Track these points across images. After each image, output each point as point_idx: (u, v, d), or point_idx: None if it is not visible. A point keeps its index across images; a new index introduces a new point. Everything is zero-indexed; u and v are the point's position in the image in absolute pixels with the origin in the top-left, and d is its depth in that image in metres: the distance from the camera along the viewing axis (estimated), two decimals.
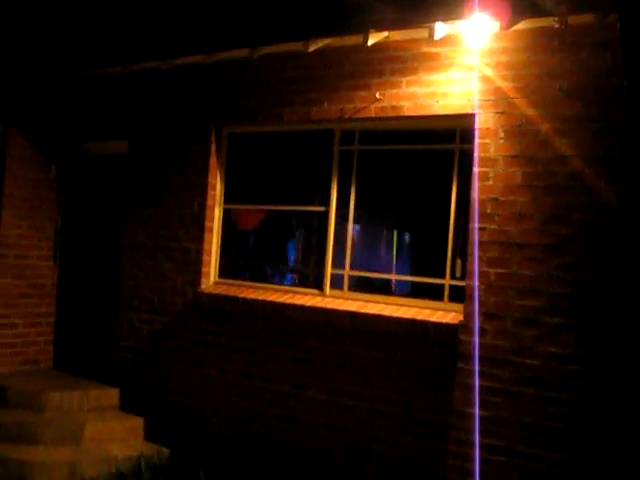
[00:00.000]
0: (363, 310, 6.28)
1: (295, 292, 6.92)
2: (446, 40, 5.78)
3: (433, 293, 6.21)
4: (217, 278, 7.46)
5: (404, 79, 6.14)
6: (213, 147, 7.38)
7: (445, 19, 5.51)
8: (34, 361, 8.42)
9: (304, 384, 6.59)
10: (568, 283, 5.30)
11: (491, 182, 5.62)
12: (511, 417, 5.46)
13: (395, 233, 6.94)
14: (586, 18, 5.22)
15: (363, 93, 6.36)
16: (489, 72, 5.68)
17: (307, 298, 6.71)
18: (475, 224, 5.65)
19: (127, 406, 7.71)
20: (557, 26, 5.31)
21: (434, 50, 5.95)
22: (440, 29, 5.59)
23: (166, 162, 7.65)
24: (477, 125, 5.70)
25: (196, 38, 6.94)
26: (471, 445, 5.54)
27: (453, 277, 6.09)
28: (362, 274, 6.75)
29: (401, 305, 6.27)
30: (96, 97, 8.35)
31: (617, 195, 5.12)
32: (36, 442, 6.93)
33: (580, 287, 5.26)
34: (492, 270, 5.58)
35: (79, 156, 8.67)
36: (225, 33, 6.72)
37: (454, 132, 6.10)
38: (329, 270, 6.74)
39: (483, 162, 5.66)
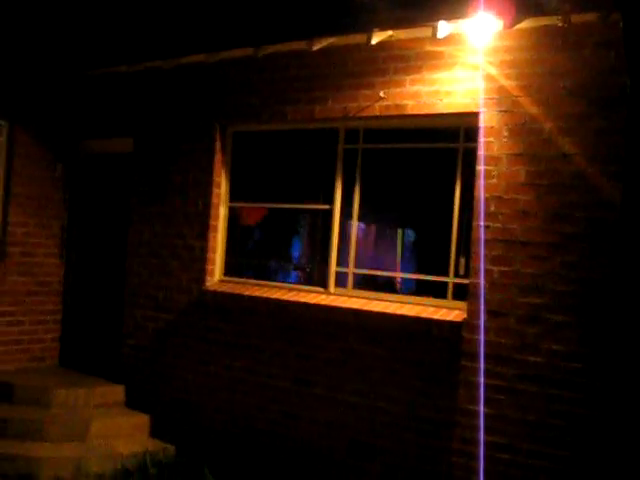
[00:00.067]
0: (367, 308, 6.31)
1: (299, 290, 6.95)
2: (450, 39, 5.80)
3: (437, 291, 6.22)
4: (222, 276, 7.49)
5: (408, 78, 6.16)
6: (218, 145, 7.40)
7: (449, 18, 5.54)
8: (40, 358, 8.46)
9: (308, 381, 6.62)
10: (571, 281, 5.33)
11: (495, 180, 5.64)
12: (514, 414, 5.49)
13: (399, 231, 6.96)
14: (589, 17, 5.24)
15: (367, 92, 6.38)
16: (493, 71, 5.70)
17: (311, 296, 6.74)
18: (479, 222, 5.68)
19: (133, 403, 7.75)
20: (560, 25, 5.33)
21: (438, 49, 5.97)
22: (444, 28, 5.61)
23: (171, 160, 7.68)
24: (481, 123, 5.72)
25: (200, 37, 6.98)
26: (475, 442, 5.58)
27: (457, 275, 6.10)
28: (366, 272, 6.77)
29: (405, 303, 6.29)
30: (101, 96, 8.39)
31: (620, 193, 5.13)
32: (42, 438, 6.97)
33: (583, 285, 5.29)
34: (496, 268, 5.61)
35: (84, 154, 8.70)
36: (229, 32, 6.75)
37: (458, 130, 6.11)
38: (333, 268, 6.76)
39: (487, 160, 5.68)
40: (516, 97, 5.59)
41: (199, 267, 7.41)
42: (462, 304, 5.91)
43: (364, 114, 6.42)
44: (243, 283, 7.31)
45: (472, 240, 5.74)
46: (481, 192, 5.67)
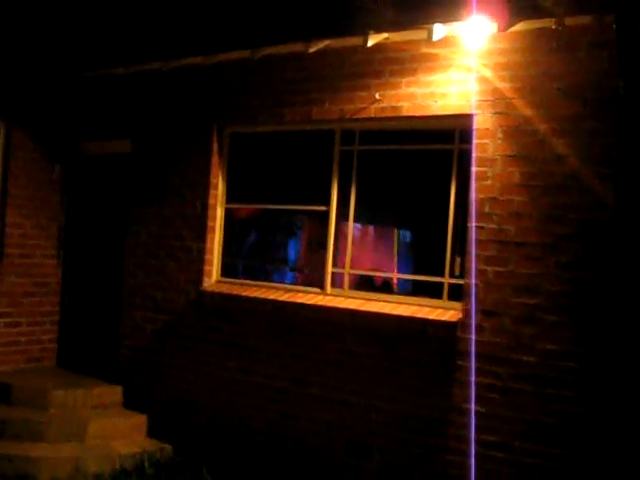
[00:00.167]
0: (363, 308, 6.35)
1: (296, 290, 6.98)
2: (445, 41, 5.84)
3: (432, 291, 6.26)
4: (219, 277, 7.53)
5: (403, 80, 6.20)
6: (215, 147, 7.44)
7: (443, 21, 5.58)
8: (38, 359, 8.48)
9: (305, 381, 6.65)
10: (565, 281, 5.37)
11: (489, 182, 5.69)
12: (509, 413, 5.53)
13: (395, 232, 7.00)
14: (583, 19, 5.28)
15: (363, 93, 6.42)
16: (487, 73, 5.74)
17: (308, 296, 6.77)
18: (473, 223, 5.72)
19: (130, 403, 7.78)
20: (554, 27, 5.37)
21: (433, 51, 6.00)
22: (439, 30, 5.66)
23: (168, 162, 7.72)
24: (475, 125, 5.76)
25: (198, 39, 7.01)
26: (469, 441, 5.61)
27: (452, 275, 6.14)
28: (362, 272, 6.81)
29: (401, 303, 6.33)
30: (99, 97, 8.42)
31: (614, 194, 5.18)
32: (40, 439, 7.00)
33: (577, 285, 5.33)
34: (490, 268, 5.65)
35: (82, 156, 8.72)
36: (226, 34, 6.79)
37: (453, 132, 6.15)
38: (330, 269, 6.80)
39: (481, 162, 5.73)
40: (510, 99, 5.63)
41: (196, 268, 7.45)
42: (457, 304, 5.95)
43: (360, 116, 6.46)
44: (240, 284, 7.34)
45: (467, 241, 5.79)
46: (475, 193, 5.71)
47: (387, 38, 6.08)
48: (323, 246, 6.89)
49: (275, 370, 6.84)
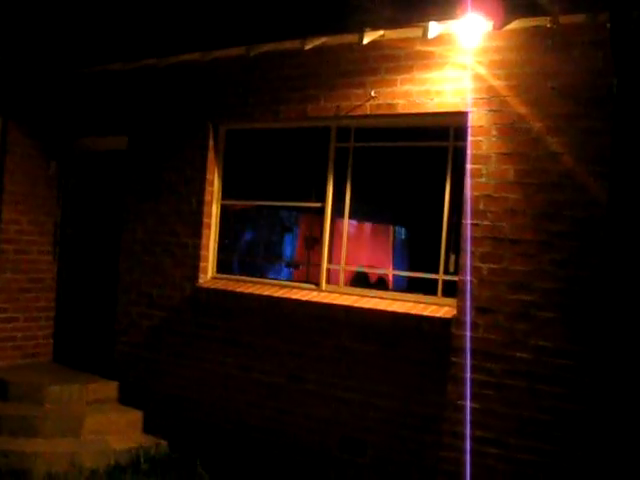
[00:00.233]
0: (358, 304, 6.37)
1: (291, 287, 7.00)
2: (440, 39, 5.86)
3: (427, 288, 6.29)
4: (215, 273, 7.54)
5: (399, 77, 6.21)
6: (211, 143, 7.45)
7: (439, 18, 5.60)
8: (34, 354, 8.50)
9: (301, 377, 6.68)
10: (559, 278, 5.40)
11: (484, 179, 5.71)
12: (503, 410, 5.55)
13: (390, 229, 7.04)
14: (578, 18, 5.30)
15: (359, 91, 6.43)
16: (482, 71, 5.76)
17: (303, 293, 6.79)
18: (468, 220, 5.74)
19: (126, 399, 7.80)
20: (549, 26, 5.39)
21: (428, 49, 6.02)
22: (434, 28, 5.68)
23: (164, 158, 7.73)
24: (470, 123, 5.78)
25: (193, 36, 7.02)
26: (463, 437, 5.63)
27: (447, 272, 6.17)
28: (358, 269, 6.83)
29: (396, 300, 6.34)
30: (95, 94, 8.42)
31: (607, 192, 5.21)
32: (36, 434, 7.02)
33: (571, 282, 5.35)
34: (485, 265, 5.68)
35: (78, 152, 8.73)
36: (222, 31, 6.80)
37: (448, 129, 6.17)
38: (325, 265, 6.82)
39: (476, 159, 5.74)
40: (505, 97, 5.65)
41: (192, 264, 7.46)
42: (452, 301, 5.97)
43: (356, 113, 6.48)
44: (236, 280, 7.36)
45: (461, 238, 5.81)
46: (470, 190, 5.73)
47: (383, 36, 6.09)
48: (318, 242, 6.91)
49: (271, 366, 6.87)
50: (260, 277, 7.38)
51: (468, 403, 5.65)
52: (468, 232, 5.73)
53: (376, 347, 6.25)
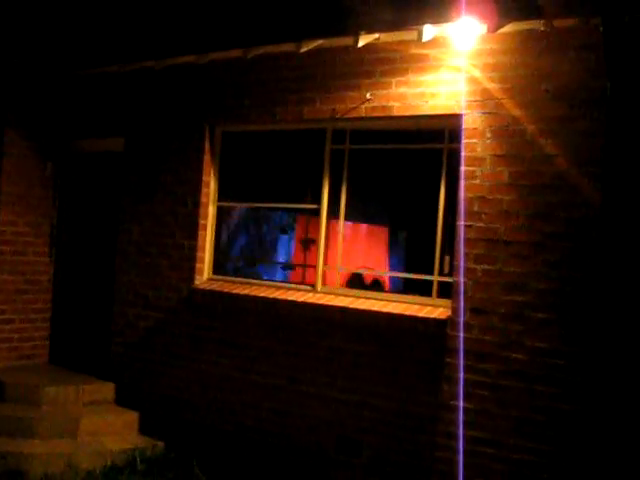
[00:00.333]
0: (353, 305, 6.39)
1: (287, 288, 7.03)
2: (435, 42, 5.89)
3: (422, 289, 6.32)
4: (211, 274, 7.56)
5: (394, 80, 6.25)
6: (207, 145, 7.48)
7: (433, 21, 5.63)
8: (30, 356, 8.50)
9: (296, 378, 6.70)
10: (553, 279, 5.43)
11: (478, 181, 5.74)
12: (498, 410, 5.58)
13: (385, 230, 7.07)
14: (571, 21, 5.33)
15: (354, 93, 6.46)
16: (476, 73, 5.79)
17: (299, 294, 6.82)
18: (462, 222, 5.77)
19: (122, 400, 7.82)
20: (543, 29, 5.43)
21: (423, 52, 6.05)
22: (429, 31, 5.71)
23: (161, 160, 7.75)
24: (464, 125, 5.81)
25: (190, 38, 7.04)
26: (458, 437, 5.66)
27: (442, 273, 6.20)
28: (353, 270, 6.86)
29: (391, 301, 6.37)
30: (92, 95, 8.44)
31: (601, 194, 5.25)
32: (33, 435, 7.03)
33: (565, 283, 5.38)
34: (479, 267, 5.70)
35: (75, 154, 8.74)
36: (219, 34, 6.82)
37: (443, 132, 6.20)
38: (321, 266, 6.84)
39: (470, 161, 5.78)
40: (499, 99, 5.69)
41: (188, 266, 7.48)
42: (447, 302, 5.99)
43: (351, 115, 6.51)
44: (232, 282, 7.38)
45: (456, 239, 5.84)
46: (464, 192, 5.76)
47: (378, 38, 6.13)
48: (314, 244, 6.94)
49: (267, 367, 6.89)
50: (256, 278, 7.41)
51: (463, 403, 5.68)
52: (462, 233, 5.76)
53: (372, 348, 6.28)
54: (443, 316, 5.91)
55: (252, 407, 6.97)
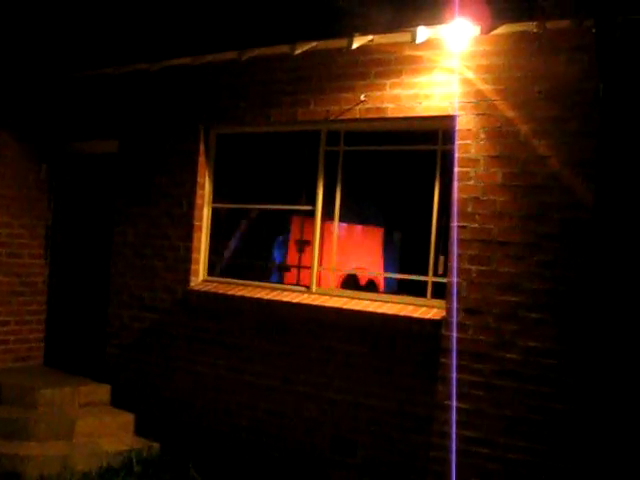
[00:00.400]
0: (348, 306, 6.41)
1: (282, 289, 7.05)
2: (428, 44, 5.91)
3: (417, 290, 6.34)
4: (206, 276, 7.58)
5: (388, 81, 6.27)
6: (202, 147, 7.49)
7: (427, 23, 5.64)
8: (25, 358, 8.50)
9: (292, 379, 6.72)
10: (547, 279, 5.46)
11: (472, 182, 5.77)
12: (492, 410, 5.61)
13: (380, 231, 7.09)
14: (564, 23, 5.35)
15: (348, 95, 6.49)
16: (470, 75, 5.82)
17: (294, 295, 6.84)
18: (456, 223, 5.79)
19: (118, 402, 7.82)
20: (536, 31, 5.46)
21: (417, 53, 6.08)
22: (422, 33, 5.72)
23: (156, 162, 7.76)
24: (458, 126, 5.84)
25: (185, 40, 7.05)
26: (453, 437, 5.69)
27: (436, 274, 6.22)
28: (348, 271, 6.87)
29: (386, 301, 6.39)
30: (86, 97, 8.44)
31: (593, 195, 5.28)
32: (28, 437, 7.03)
33: (558, 283, 5.41)
34: (473, 267, 5.73)
35: (69, 156, 8.74)
36: (213, 36, 6.84)
37: (436, 133, 6.23)
38: (315, 267, 6.86)
39: (464, 162, 5.81)
40: (493, 101, 5.72)
41: (183, 267, 7.50)
42: (441, 302, 6.01)
43: (345, 117, 6.53)
44: (227, 283, 7.39)
45: (450, 240, 5.86)
46: (458, 193, 5.78)
47: (372, 40, 6.14)
48: (309, 245, 6.95)
49: (262, 368, 6.91)
50: (251, 280, 7.41)
51: (457, 403, 5.71)
52: (456, 234, 5.79)
53: (366, 349, 6.30)
54: (437, 316, 5.94)
55: (247, 408, 6.98)
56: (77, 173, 8.74)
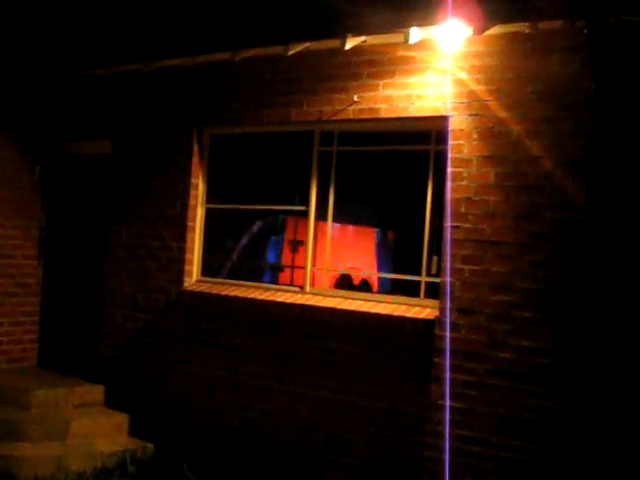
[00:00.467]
0: (341, 306, 6.42)
1: (276, 289, 7.06)
2: (421, 44, 5.92)
3: (410, 290, 6.35)
4: (200, 276, 7.58)
5: (381, 82, 6.28)
6: (195, 148, 7.49)
7: (420, 24, 5.65)
8: (19, 359, 8.50)
9: (286, 379, 6.73)
10: (539, 279, 5.47)
11: (465, 182, 5.78)
12: (485, 409, 5.62)
13: (374, 231, 7.10)
14: (556, 24, 5.36)
15: (341, 95, 6.50)
16: (463, 75, 5.83)
17: (288, 295, 6.85)
18: (449, 223, 5.81)
19: (112, 402, 7.83)
20: (528, 31, 5.47)
21: (409, 54, 6.09)
22: (415, 34, 5.73)
23: (149, 162, 7.77)
24: (451, 127, 5.85)
25: (178, 41, 7.06)
26: (447, 437, 5.70)
27: (429, 274, 6.24)
28: (341, 271, 6.88)
29: (379, 301, 6.41)
30: (80, 98, 8.45)
31: (585, 195, 5.31)
32: (23, 438, 7.03)
33: (551, 283, 5.43)
34: (466, 267, 5.75)
35: (63, 156, 8.75)
36: (206, 36, 6.84)
37: (429, 133, 6.24)
38: (309, 268, 6.87)
39: (457, 163, 5.82)
40: (485, 101, 5.73)
41: (177, 268, 7.50)
42: (434, 302, 6.02)
43: (338, 117, 6.54)
44: (221, 283, 7.40)
45: (443, 240, 5.88)
46: (451, 193, 5.80)
47: (365, 41, 6.15)
48: (302, 245, 6.97)
49: (256, 368, 6.91)
50: (245, 280, 7.42)
51: (451, 403, 5.72)
52: (449, 234, 5.80)
53: (360, 348, 6.32)
54: (431, 316, 5.95)
55: (241, 408, 6.99)
56: (71, 174, 8.74)
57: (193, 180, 7.48)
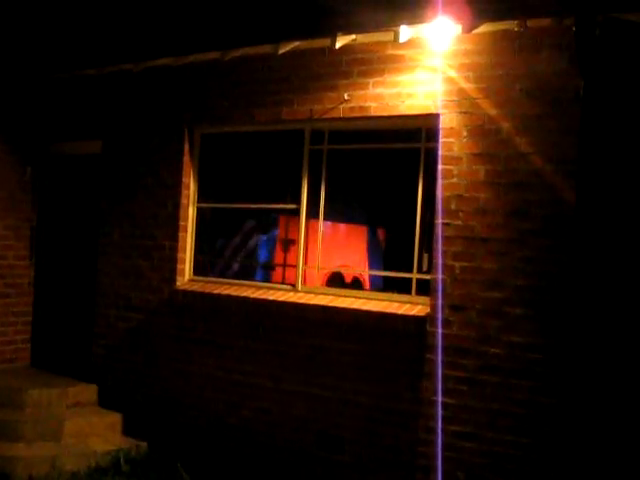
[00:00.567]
0: (333, 304, 6.44)
1: (268, 288, 7.07)
2: (411, 43, 5.95)
3: (402, 287, 6.38)
4: (192, 275, 7.59)
5: (371, 80, 6.31)
6: (186, 147, 7.50)
7: (409, 22, 5.68)
8: (11, 359, 8.49)
9: (279, 377, 6.75)
10: (529, 275, 5.51)
11: (455, 179, 5.81)
12: (477, 404, 5.66)
13: (365, 229, 7.13)
14: (544, 22, 5.40)
15: (331, 94, 6.52)
16: (452, 73, 5.86)
17: (280, 293, 6.86)
18: (440, 220, 5.84)
19: (105, 402, 7.83)
20: (517, 29, 5.51)
21: (399, 52, 6.12)
22: (405, 32, 5.77)
23: (140, 162, 7.77)
24: (441, 124, 5.88)
25: (168, 41, 7.06)
26: (439, 432, 5.74)
27: (420, 271, 6.27)
28: (333, 269, 6.91)
29: (371, 299, 6.43)
30: (70, 98, 8.44)
31: (575, 191, 5.35)
32: (17, 438, 7.03)
33: (541, 279, 5.46)
34: (457, 264, 5.78)
35: (54, 157, 8.74)
36: (196, 36, 6.85)
37: (420, 131, 6.26)
38: (301, 266, 6.89)
39: (447, 160, 5.85)
40: (475, 99, 5.76)
41: (169, 267, 7.51)
42: (426, 299, 6.05)
43: (329, 116, 6.56)
44: (213, 282, 7.42)
45: (434, 237, 5.91)
46: (441, 191, 5.83)
47: (355, 40, 6.18)
48: (294, 244, 6.99)
49: (249, 367, 6.93)
50: (237, 279, 7.44)
51: (443, 399, 5.76)
52: (440, 231, 5.83)
53: (352, 346, 6.34)
54: (422, 313, 5.99)
55: (235, 406, 7.01)
56: (61, 174, 8.73)
57: (184, 179, 7.49)
